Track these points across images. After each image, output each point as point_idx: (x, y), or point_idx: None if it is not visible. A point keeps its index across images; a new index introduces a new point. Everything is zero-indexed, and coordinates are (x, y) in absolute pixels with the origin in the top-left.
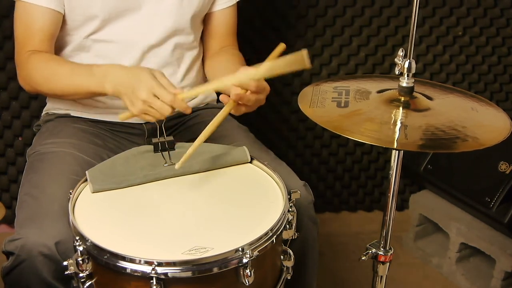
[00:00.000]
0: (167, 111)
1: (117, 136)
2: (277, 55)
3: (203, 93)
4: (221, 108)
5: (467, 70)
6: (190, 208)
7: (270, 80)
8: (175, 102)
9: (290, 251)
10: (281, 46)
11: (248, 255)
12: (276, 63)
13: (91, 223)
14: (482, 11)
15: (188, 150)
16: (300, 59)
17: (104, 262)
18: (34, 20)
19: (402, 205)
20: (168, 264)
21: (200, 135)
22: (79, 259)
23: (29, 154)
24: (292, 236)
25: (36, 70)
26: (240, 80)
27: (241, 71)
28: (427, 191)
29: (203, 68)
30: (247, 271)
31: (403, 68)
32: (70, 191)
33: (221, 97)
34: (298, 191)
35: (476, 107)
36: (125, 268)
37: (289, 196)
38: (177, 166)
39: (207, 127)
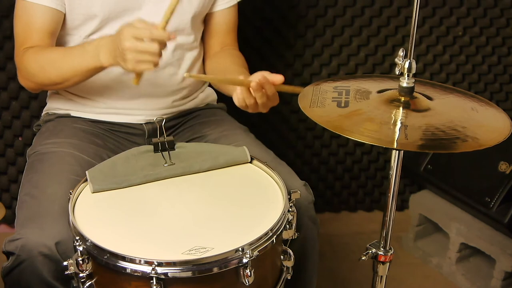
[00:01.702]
0: (155, 49)
1: (117, 136)
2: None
3: (171, 12)
4: (221, 108)
5: (467, 70)
6: (190, 208)
7: None
8: (154, 34)
9: (290, 251)
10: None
11: (248, 255)
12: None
13: (91, 223)
14: (482, 11)
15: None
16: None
17: (104, 262)
18: (34, 19)
19: (402, 205)
20: (168, 264)
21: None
22: (79, 259)
23: (29, 154)
24: (292, 236)
25: (32, 63)
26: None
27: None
28: (427, 191)
29: (203, 68)
30: (247, 271)
31: (403, 68)
32: (70, 191)
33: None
34: (298, 191)
35: (476, 107)
36: (125, 268)
37: (289, 196)
38: (186, 75)
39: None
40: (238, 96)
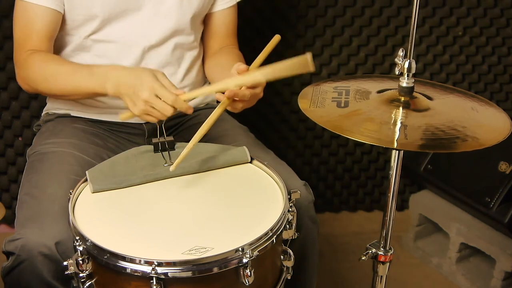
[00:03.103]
0: (168, 112)
1: (117, 136)
2: (273, 46)
3: (205, 95)
4: None
5: (467, 70)
6: (190, 208)
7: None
8: (177, 102)
9: (290, 251)
10: (277, 38)
11: (248, 255)
12: (280, 66)
13: (91, 223)
14: (482, 11)
15: (183, 151)
16: (304, 62)
17: (104, 262)
18: (33, 20)
19: (402, 205)
20: (168, 264)
21: (195, 134)
22: (79, 259)
23: (29, 154)
24: (292, 236)
25: (36, 70)
26: (244, 83)
27: (246, 73)
28: (427, 191)
29: (203, 68)
30: (247, 271)
31: (403, 68)
32: (70, 191)
33: (216, 96)
34: (298, 191)
35: (476, 107)
36: (125, 268)
37: (289, 196)
38: (171, 168)
39: (202, 126)
40: (229, 108)
